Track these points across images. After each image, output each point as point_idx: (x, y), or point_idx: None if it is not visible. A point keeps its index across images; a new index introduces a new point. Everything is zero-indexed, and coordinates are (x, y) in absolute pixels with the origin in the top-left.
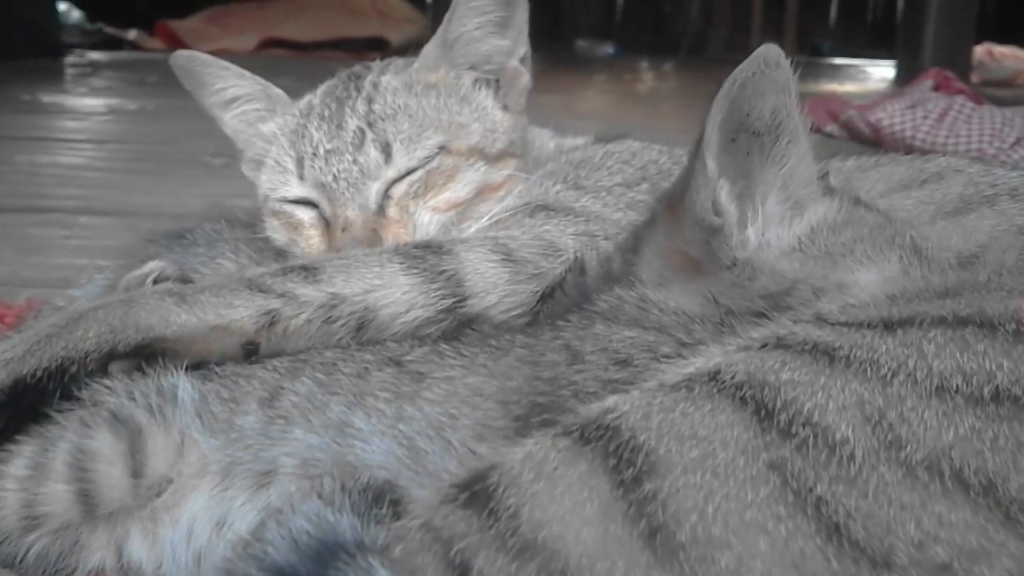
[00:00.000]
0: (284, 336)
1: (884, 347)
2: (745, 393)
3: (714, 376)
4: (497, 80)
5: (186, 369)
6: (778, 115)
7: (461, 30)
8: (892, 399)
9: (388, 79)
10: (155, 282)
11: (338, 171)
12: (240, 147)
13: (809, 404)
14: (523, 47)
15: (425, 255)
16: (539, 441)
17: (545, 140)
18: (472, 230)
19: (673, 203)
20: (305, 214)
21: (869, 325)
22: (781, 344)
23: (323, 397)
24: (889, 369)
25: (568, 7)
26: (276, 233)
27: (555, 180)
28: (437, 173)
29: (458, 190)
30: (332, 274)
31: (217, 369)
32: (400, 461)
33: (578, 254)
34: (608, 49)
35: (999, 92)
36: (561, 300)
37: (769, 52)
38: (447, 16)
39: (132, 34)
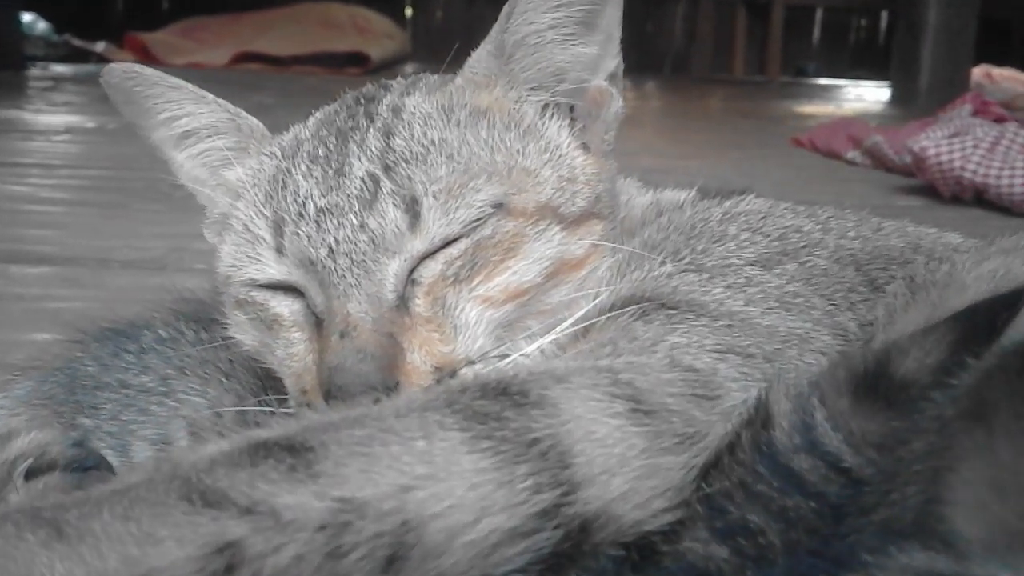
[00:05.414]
0: None
1: None
2: None
3: None
4: (572, 108)
5: None
6: None
7: (527, 29)
8: None
9: (416, 101)
10: (27, 477)
11: (336, 241)
12: (201, 202)
13: None
14: (613, 60)
15: (501, 411)
16: None
17: (634, 193)
18: (545, 341)
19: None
20: (285, 306)
21: None
22: None
23: None
24: None
25: None
26: (242, 332)
27: (662, 255)
28: (490, 245)
29: (522, 271)
30: (341, 458)
31: None
32: None
33: (760, 396)
34: None
35: None
36: (736, 474)
37: None
38: (506, 10)
39: (100, 47)
